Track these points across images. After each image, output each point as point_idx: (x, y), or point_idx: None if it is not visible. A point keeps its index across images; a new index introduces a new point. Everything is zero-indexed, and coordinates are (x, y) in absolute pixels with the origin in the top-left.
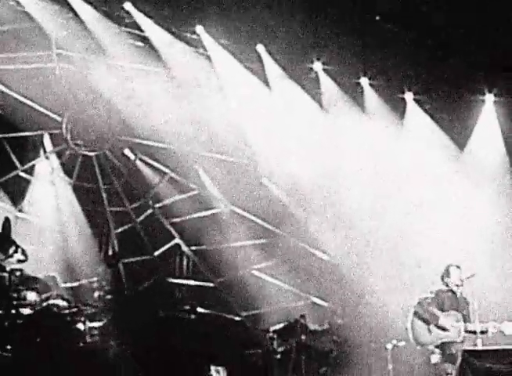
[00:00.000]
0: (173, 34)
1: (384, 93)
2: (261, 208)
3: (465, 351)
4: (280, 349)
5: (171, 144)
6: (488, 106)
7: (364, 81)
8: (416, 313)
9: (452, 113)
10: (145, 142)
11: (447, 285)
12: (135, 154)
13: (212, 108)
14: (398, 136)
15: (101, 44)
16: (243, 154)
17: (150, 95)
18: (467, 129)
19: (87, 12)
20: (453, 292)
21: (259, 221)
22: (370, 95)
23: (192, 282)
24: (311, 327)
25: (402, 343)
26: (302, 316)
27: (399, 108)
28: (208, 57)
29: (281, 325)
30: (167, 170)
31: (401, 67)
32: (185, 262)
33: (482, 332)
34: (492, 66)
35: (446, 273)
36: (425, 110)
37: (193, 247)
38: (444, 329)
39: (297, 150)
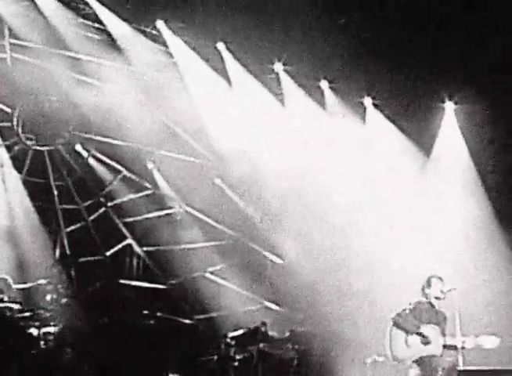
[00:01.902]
0: (133, 27)
1: (344, 97)
2: (216, 210)
3: (460, 371)
4: (239, 357)
5: (126, 141)
6: (449, 113)
7: (324, 84)
8: (395, 323)
9: (413, 119)
10: (100, 138)
11: (426, 297)
12: (89, 151)
13: (171, 106)
14: (362, 139)
15: (58, 35)
16: (200, 154)
17: (108, 91)
18: (431, 135)
19: (44, 1)
20: (432, 305)
21: (213, 222)
22: (331, 98)
23: (144, 284)
24: (272, 334)
25: (382, 358)
26: (263, 324)
27: (360, 112)
28: (169, 52)
29: (240, 331)
30: (121, 168)
31: (361, 72)
32: (137, 263)
33: (463, 347)
34: (452, 74)
35: (427, 284)
36: (386, 116)
37: (146, 248)
38: (424, 337)
39: (254, 150)
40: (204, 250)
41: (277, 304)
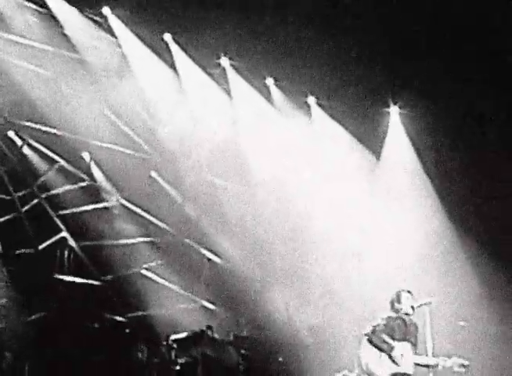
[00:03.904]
0: (81, 13)
1: (289, 95)
2: (154, 205)
3: None
4: (181, 360)
5: (64, 131)
6: (394, 117)
7: (270, 82)
8: (369, 340)
9: (359, 122)
10: (35, 126)
11: (397, 312)
12: (23, 139)
13: (113, 96)
14: (308, 137)
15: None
16: (139, 147)
17: (46, 78)
18: (380, 139)
19: None
20: (403, 320)
21: (150, 217)
22: (277, 96)
23: (77, 279)
24: (216, 337)
25: (353, 374)
26: (209, 327)
27: (306, 111)
28: (115, 41)
29: (183, 334)
30: (57, 158)
31: (306, 72)
32: (71, 257)
33: (434, 366)
34: (397, 79)
35: (397, 299)
36: (331, 116)
37: (81, 242)
38: (395, 362)
39: (196, 144)
40: (141, 245)
41: (214, 304)
